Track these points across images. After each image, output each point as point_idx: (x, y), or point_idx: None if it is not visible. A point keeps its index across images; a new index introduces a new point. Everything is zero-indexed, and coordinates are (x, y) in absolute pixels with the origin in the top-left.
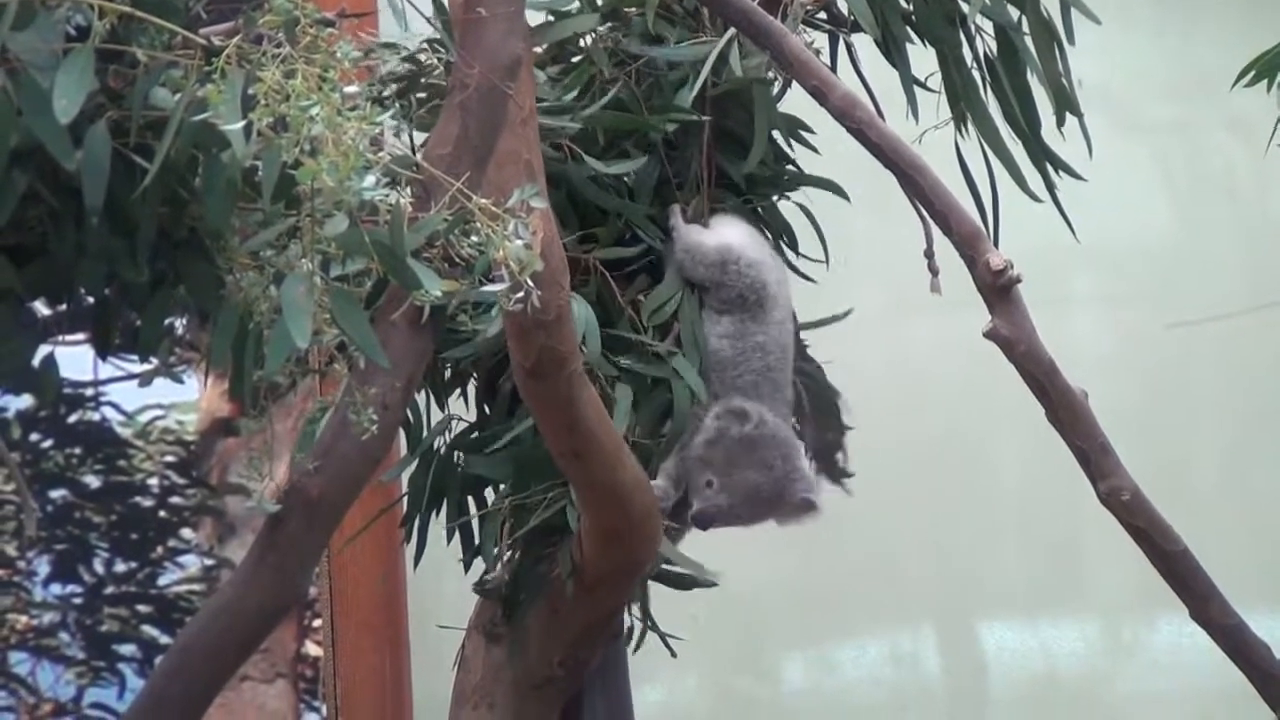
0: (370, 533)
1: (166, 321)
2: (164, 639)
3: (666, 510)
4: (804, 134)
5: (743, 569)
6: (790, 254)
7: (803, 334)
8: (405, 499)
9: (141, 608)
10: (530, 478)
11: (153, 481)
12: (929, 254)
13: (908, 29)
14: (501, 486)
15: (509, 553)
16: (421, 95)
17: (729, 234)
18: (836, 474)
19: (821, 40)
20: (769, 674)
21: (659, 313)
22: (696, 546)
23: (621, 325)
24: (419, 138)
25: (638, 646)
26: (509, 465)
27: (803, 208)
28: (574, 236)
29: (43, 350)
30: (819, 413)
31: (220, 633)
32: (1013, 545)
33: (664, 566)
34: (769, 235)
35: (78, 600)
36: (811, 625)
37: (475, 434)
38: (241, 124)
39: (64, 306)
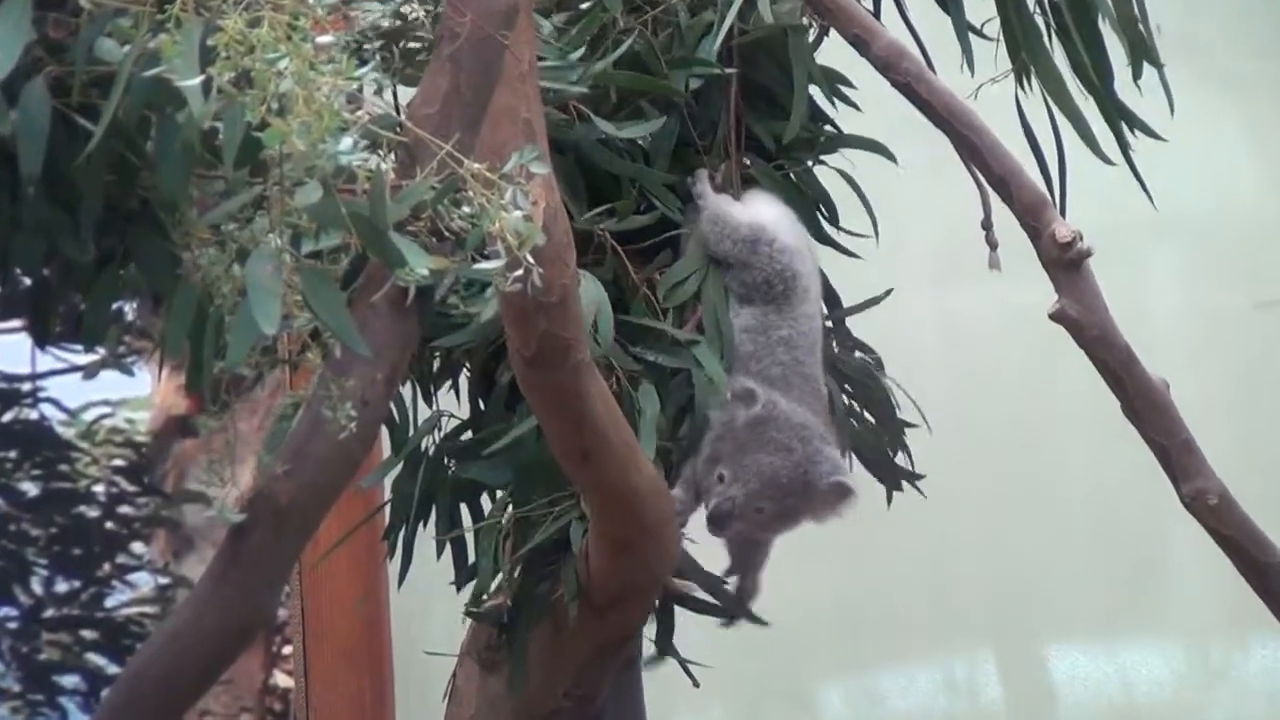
0: (348, 546)
1: (114, 305)
2: (112, 668)
3: (684, 523)
4: (843, 89)
5: (775, 585)
6: (829, 227)
7: (845, 321)
8: (388, 508)
9: (86, 633)
10: (533, 485)
11: (99, 489)
12: (987, 225)
13: None
14: (499, 493)
15: (508, 571)
16: (406, 46)
17: (764, 211)
18: (901, 476)
19: None
20: (805, 705)
21: (677, 291)
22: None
23: (637, 309)
24: (403, 95)
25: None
26: (509, 470)
27: (844, 174)
28: (583, 210)
29: None
30: (872, 411)
31: (176, 660)
32: (1084, 557)
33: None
34: (804, 207)
35: (13, 625)
36: (853, 649)
37: (469, 434)
38: (199, 80)
39: None
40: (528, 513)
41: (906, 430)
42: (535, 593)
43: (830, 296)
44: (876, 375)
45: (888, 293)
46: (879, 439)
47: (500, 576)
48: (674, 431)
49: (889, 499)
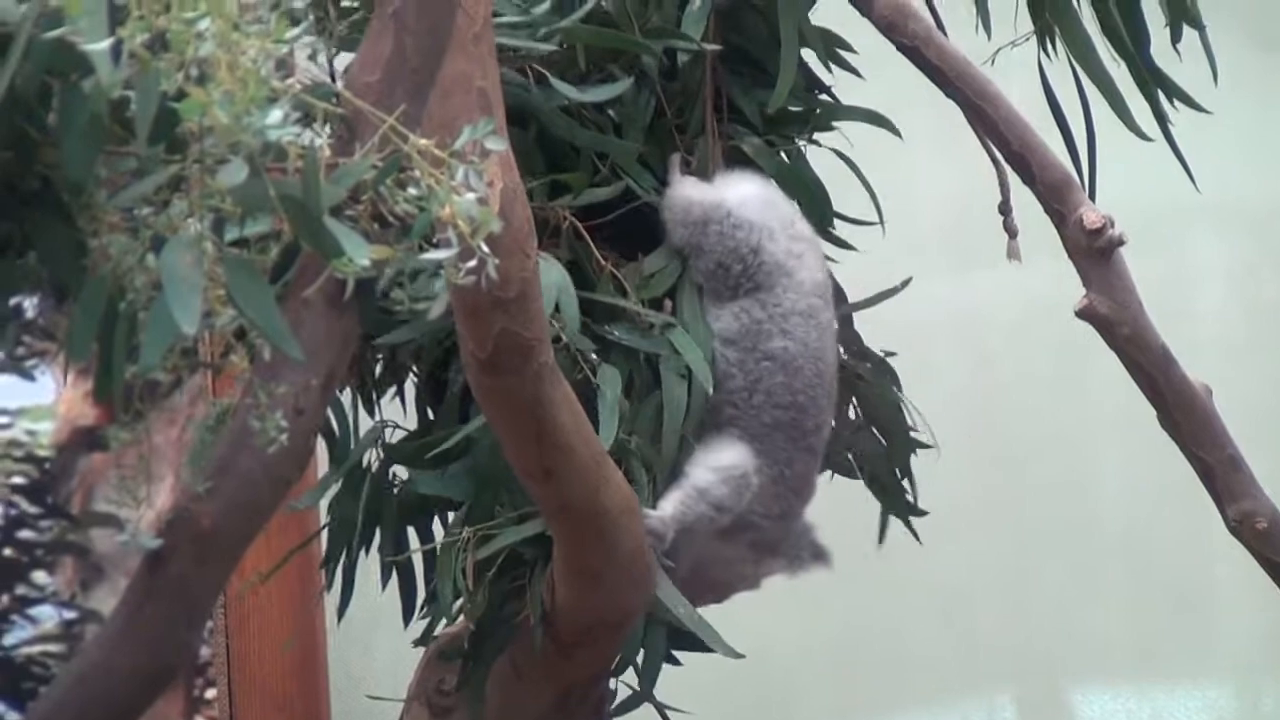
0: (280, 576)
1: (12, 300)
2: (11, 716)
3: (661, 550)
4: (842, 54)
5: (764, 620)
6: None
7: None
8: (326, 532)
9: None
10: (496, 497)
11: None
12: (1005, 209)
13: None
14: (452, 513)
15: (470, 594)
16: (344, 5)
17: (731, 190)
18: (902, 510)
19: None
20: None
21: (651, 284)
22: None
23: (603, 289)
24: (341, 60)
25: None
26: (466, 481)
27: (840, 154)
28: (543, 192)
29: None
30: (880, 427)
31: (84, 706)
32: (1116, 588)
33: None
34: (800, 191)
35: None
36: (853, 693)
37: (418, 444)
38: (108, 43)
39: None
40: (491, 529)
41: (916, 451)
42: (500, 615)
43: (835, 294)
44: (887, 385)
45: (906, 282)
46: (890, 459)
47: (461, 601)
48: (656, 435)
49: (882, 531)
